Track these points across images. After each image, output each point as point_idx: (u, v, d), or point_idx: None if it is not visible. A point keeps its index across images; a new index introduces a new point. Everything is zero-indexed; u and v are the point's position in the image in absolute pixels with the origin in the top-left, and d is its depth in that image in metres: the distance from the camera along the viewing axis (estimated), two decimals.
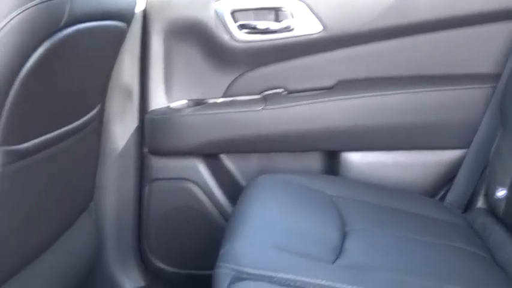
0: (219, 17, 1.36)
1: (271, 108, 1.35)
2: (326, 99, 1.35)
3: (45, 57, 0.88)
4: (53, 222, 1.16)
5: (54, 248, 1.16)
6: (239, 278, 0.81)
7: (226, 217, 1.39)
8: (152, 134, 1.41)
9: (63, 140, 1.08)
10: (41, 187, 1.05)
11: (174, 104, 1.43)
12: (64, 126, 1.08)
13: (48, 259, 1.14)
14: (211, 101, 1.43)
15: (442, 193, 1.36)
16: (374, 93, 1.34)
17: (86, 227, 1.33)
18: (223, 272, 0.84)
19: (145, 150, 1.43)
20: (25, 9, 0.82)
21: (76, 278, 1.31)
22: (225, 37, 1.37)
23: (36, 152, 0.98)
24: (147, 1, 1.38)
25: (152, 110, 1.41)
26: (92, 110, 1.21)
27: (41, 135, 0.99)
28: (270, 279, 0.79)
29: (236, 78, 1.43)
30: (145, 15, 1.38)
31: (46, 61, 0.89)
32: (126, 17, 1.21)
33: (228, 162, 1.44)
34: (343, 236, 0.98)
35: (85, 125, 1.17)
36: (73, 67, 1.06)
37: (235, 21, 1.36)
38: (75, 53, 1.04)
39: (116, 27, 1.16)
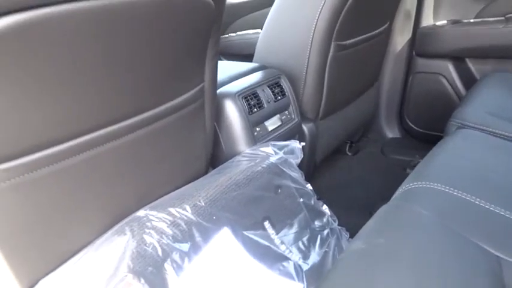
0: None
1: (511, 27, 1.35)
2: None
3: None
4: (354, 88, 1.42)
5: (353, 104, 1.44)
6: (462, 127, 0.97)
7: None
8: (420, 42, 1.55)
9: (368, 41, 1.28)
10: (352, 69, 1.30)
11: (439, 23, 1.52)
12: (369, 32, 1.28)
13: (349, 109, 1.43)
14: (465, 21, 1.48)
15: None
16: None
17: (371, 95, 1.59)
18: (453, 124, 1.00)
19: (414, 53, 1.58)
20: None
21: (360, 123, 1.61)
22: None
23: (351, 47, 1.20)
24: None
25: (423, 26, 1.54)
26: (384, 24, 1.40)
27: (356, 37, 1.21)
28: (482, 130, 0.92)
29: (485, 6, 1.44)
30: None
31: None
32: None
33: (470, 64, 1.50)
34: None
35: (380, 33, 1.37)
36: None
37: None
38: None
39: None
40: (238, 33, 1.97)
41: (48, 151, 0.56)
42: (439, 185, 0.67)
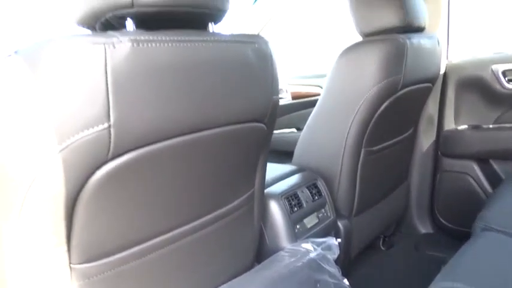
0: (494, 74, 1.54)
1: None
2: None
3: (392, 104, 1.23)
4: (385, 187, 1.53)
5: (384, 201, 1.53)
6: (486, 229, 1.04)
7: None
8: (445, 144, 1.65)
9: (395, 146, 1.42)
10: (381, 170, 1.40)
11: (460, 127, 1.64)
12: (395, 138, 1.42)
13: (381, 206, 1.51)
14: (485, 126, 1.60)
15: None
16: None
17: (401, 193, 1.66)
18: (478, 226, 1.08)
19: (439, 153, 1.68)
20: None
21: (392, 219, 1.68)
22: (497, 87, 1.54)
23: (379, 152, 1.33)
24: (446, 67, 1.63)
25: (445, 130, 1.65)
26: (409, 130, 1.53)
27: (383, 143, 1.34)
28: (505, 233, 0.99)
29: (502, 113, 1.57)
30: (444, 76, 1.63)
31: (392, 106, 1.23)
32: (433, 79, 1.48)
33: (495, 164, 1.58)
34: None
35: (406, 138, 1.49)
36: (402, 111, 1.37)
37: (505, 77, 1.52)
38: (406, 103, 1.35)
39: (428, 87, 1.46)
40: (275, 132, 2.18)
41: (130, 251, 0.71)
42: (464, 285, 0.76)
